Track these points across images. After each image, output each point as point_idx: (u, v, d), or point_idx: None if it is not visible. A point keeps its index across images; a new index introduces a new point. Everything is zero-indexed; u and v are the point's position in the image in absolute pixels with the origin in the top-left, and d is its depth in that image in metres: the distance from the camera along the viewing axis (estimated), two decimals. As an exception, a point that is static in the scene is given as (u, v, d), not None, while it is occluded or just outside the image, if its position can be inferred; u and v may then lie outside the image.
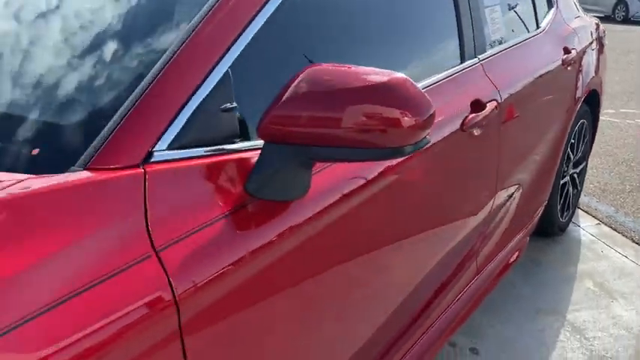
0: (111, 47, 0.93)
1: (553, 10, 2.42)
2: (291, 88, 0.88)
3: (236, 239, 0.87)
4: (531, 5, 2.25)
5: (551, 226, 2.64)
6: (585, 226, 2.87)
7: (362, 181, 1.14)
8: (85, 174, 0.76)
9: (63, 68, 0.91)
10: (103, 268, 0.71)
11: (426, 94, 0.88)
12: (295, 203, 0.98)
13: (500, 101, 1.67)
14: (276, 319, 0.97)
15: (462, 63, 1.60)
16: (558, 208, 2.61)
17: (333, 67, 0.89)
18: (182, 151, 0.86)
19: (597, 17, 3.23)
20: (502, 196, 1.88)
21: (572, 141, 2.57)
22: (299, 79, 0.88)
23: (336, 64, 0.90)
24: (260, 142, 0.94)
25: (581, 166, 2.83)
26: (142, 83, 0.86)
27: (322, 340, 1.14)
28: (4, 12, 1.05)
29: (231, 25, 0.98)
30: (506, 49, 1.86)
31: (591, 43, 2.63)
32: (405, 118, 0.85)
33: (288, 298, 0.98)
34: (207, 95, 0.90)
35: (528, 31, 2.15)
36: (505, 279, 2.15)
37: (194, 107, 0.89)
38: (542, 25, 2.27)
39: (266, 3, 1.03)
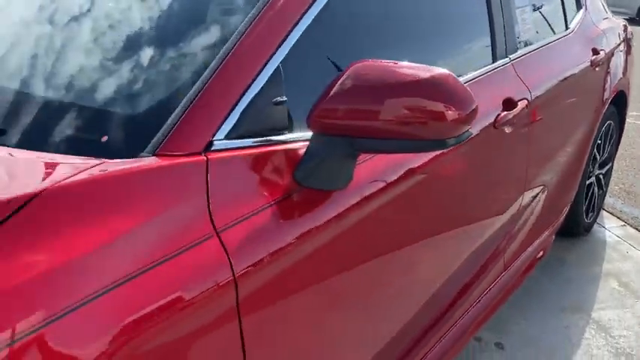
0: (177, 45, 1.00)
1: (582, 11, 2.44)
2: (338, 83, 0.93)
3: (285, 224, 0.93)
4: (561, 6, 2.28)
5: (576, 226, 2.65)
6: (610, 227, 2.88)
7: (398, 176, 1.19)
8: (153, 159, 0.83)
9: (134, 65, 0.98)
10: (172, 245, 0.77)
11: (468, 89, 0.92)
12: (337, 193, 1.03)
13: (530, 100, 1.71)
14: (315, 301, 1.02)
15: (493, 62, 1.63)
16: (584, 208, 2.63)
17: (379, 62, 0.94)
18: (238, 140, 0.92)
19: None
20: (530, 193, 1.91)
21: (599, 142, 2.59)
22: (346, 74, 0.93)
23: (381, 60, 0.95)
24: (307, 134, 0.99)
25: (606, 167, 2.84)
26: (202, 78, 0.92)
27: (356, 326, 1.19)
28: (80, 7, 1.12)
29: (281, 23, 1.03)
30: (536, 49, 1.89)
31: (619, 44, 2.64)
32: (449, 111, 0.90)
33: (327, 282, 1.03)
34: (261, 89, 0.96)
35: (556, 32, 2.17)
36: (530, 277, 2.18)
37: (248, 100, 0.95)
38: (572, 26, 2.29)
39: (312, 3, 1.09)
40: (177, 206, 0.80)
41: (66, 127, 0.89)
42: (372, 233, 1.14)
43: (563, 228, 2.48)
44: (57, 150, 0.85)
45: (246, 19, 1.01)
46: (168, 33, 1.03)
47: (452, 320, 1.64)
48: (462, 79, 1.45)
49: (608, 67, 2.44)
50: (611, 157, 2.85)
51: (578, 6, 2.47)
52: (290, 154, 0.98)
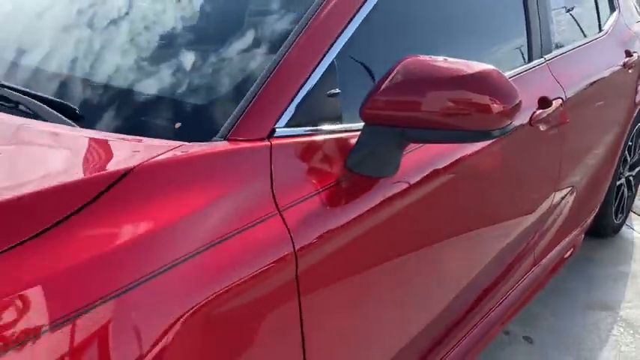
0: (244, 43, 1.09)
1: (615, 13, 2.47)
2: (389, 77, 1.00)
3: (337, 206, 1.00)
4: (594, 8, 2.31)
5: (605, 226, 2.67)
6: (639, 229, 2.89)
7: (438, 168, 1.25)
8: (225, 143, 0.91)
9: (208, 61, 1.09)
10: (241, 220, 0.85)
11: (513, 84, 0.99)
12: (384, 180, 1.10)
13: (565, 99, 1.75)
14: (357, 280, 1.08)
15: (529, 62, 1.69)
16: (613, 209, 2.65)
17: (428, 58, 1.01)
18: (296, 129, 1.00)
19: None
20: (561, 192, 1.96)
21: (630, 143, 2.61)
22: (396, 69, 1.00)
23: (430, 55, 1.02)
24: (358, 125, 1.07)
25: (637, 169, 2.85)
26: (265, 72, 1.00)
27: (394, 311, 1.26)
28: (153, 5, 1.22)
29: (335, 22, 1.11)
30: (570, 50, 1.94)
31: (652, 47, 2.66)
32: (494, 104, 0.96)
33: (370, 263, 1.10)
34: (317, 83, 1.04)
35: (590, 34, 2.21)
36: (559, 275, 2.22)
37: (306, 92, 1.02)
38: (605, 28, 2.32)
39: (363, 4, 1.16)
40: (245, 186, 0.89)
41: (153, 115, 0.99)
42: (412, 220, 1.21)
43: (592, 228, 2.51)
44: (144, 134, 0.94)
45: (303, 18, 1.09)
46: (235, 32, 1.12)
47: (481, 313, 1.70)
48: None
49: (641, 69, 2.46)
50: (641, 160, 2.87)
51: (612, 8, 2.50)
52: (342, 142, 1.06)
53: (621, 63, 2.26)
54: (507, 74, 1.55)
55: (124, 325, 0.69)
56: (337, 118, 1.08)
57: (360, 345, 1.14)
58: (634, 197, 2.95)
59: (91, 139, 0.92)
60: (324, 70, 1.05)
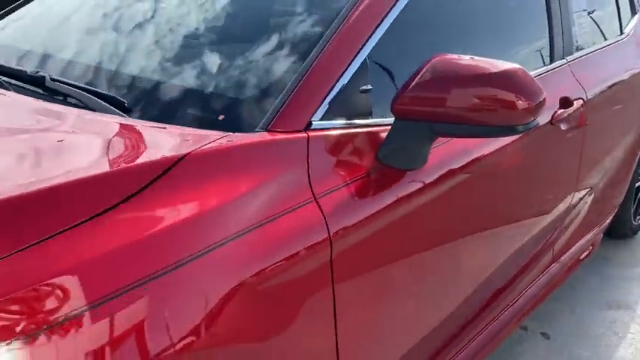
0: (283, 43, 1.16)
1: (637, 17, 2.50)
2: (419, 74, 1.06)
3: (368, 196, 1.06)
4: (616, 11, 2.34)
5: (623, 227, 2.70)
6: (658, 231, 2.91)
7: (462, 164, 1.30)
8: (266, 134, 0.98)
9: (251, 59, 1.16)
10: (281, 205, 0.92)
11: (537, 82, 1.04)
12: (412, 173, 1.16)
13: (586, 100, 1.79)
14: (385, 267, 1.14)
15: (551, 63, 1.73)
16: (632, 210, 2.67)
17: (456, 57, 1.07)
18: (331, 122, 1.07)
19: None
20: (580, 191, 1.99)
21: (650, 145, 2.63)
22: (426, 67, 1.06)
23: (457, 54, 1.08)
24: (389, 119, 1.12)
25: (656, 172, 2.86)
26: (302, 68, 1.07)
27: (416, 301, 1.31)
28: (199, 6, 1.30)
29: (368, 22, 1.17)
30: (592, 52, 1.98)
31: (673, 50, 2.67)
32: (520, 101, 1.02)
33: (397, 251, 1.16)
34: (350, 79, 1.10)
35: (612, 37, 2.24)
36: (576, 275, 2.25)
37: (340, 88, 1.09)
38: (626, 30, 2.35)
39: (394, 5, 1.22)
40: (285, 173, 0.95)
41: (200, 108, 1.08)
42: (436, 212, 1.26)
43: (610, 229, 2.54)
44: (193, 125, 1.01)
45: (337, 19, 1.15)
46: (275, 34, 1.19)
47: (500, 307, 1.74)
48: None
49: (662, 71, 2.48)
50: (661, 162, 2.88)
51: (633, 11, 2.52)
52: (372, 136, 1.12)
53: (642, 65, 2.28)
54: (531, 74, 1.60)
55: (182, 295, 0.76)
56: (369, 113, 1.14)
57: (384, 329, 1.20)
58: (653, 199, 2.96)
59: (145, 128, 1.00)
60: (357, 67, 1.12)
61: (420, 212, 1.19)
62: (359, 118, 1.12)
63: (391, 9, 1.21)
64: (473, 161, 1.33)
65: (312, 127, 1.03)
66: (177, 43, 1.24)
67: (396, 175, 1.12)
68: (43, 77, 1.17)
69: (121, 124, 1.01)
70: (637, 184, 2.66)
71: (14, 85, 1.20)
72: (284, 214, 0.92)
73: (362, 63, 1.13)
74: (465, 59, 1.06)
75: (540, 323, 2.12)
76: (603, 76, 1.99)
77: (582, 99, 1.78)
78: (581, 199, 2.04)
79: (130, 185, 0.81)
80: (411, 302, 1.28)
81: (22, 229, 0.73)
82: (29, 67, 1.25)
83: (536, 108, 1.03)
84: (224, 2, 1.28)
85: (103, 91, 1.12)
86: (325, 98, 1.07)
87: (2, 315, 0.66)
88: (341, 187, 1.02)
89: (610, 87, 2.00)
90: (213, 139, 0.92)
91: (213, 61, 1.15)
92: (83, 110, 1.07)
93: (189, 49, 1.22)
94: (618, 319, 2.17)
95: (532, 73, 1.60)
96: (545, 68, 1.69)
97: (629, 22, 2.44)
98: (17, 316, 0.67)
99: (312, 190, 0.97)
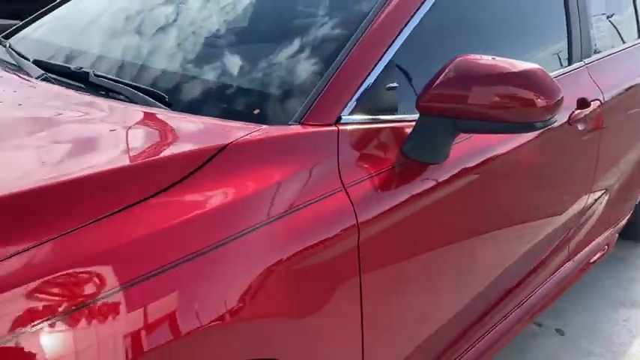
0: (314, 42, 1.23)
1: (655, 21, 2.53)
2: (443, 73, 1.12)
3: (393, 187, 1.13)
4: (634, 15, 2.38)
5: (638, 229, 2.72)
6: (674, 234, 2.92)
7: (481, 160, 1.36)
8: (299, 127, 1.05)
9: (285, 57, 1.24)
10: (313, 193, 0.99)
11: (556, 82, 1.10)
12: (435, 166, 1.22)
13: (603, 102, 1.84)
14: (408, 255, 1.20)
15: (569, 65, 1.78)
16: (647, 212, 2.70)
17: (478, 56, 1.13)
18: (359, 117, 1.13)
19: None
20: (596, 192, 2.03)
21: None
22: (450, 65, 1.12)
23: (480, 55, 1.14)
24: (413, 115, 1.19)
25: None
26: (333, 66, 1.14)
27: (434, 292, 1.36)
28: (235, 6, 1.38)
29: (394, 23, 1.24)
30: (609, 55, 2.02)
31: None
32: (539, 100, 1.08)
33: (420, 241, 1.22)
34: (377, 77, 1.17)
35: (630, 40, 2.28)
36: (591, 274, 2.29)
37: (367, 85, 1.16)
38: (644, 34, 2.39)
39: (419, 7, 1.29)
40: (316, 164, 1.02)
41: (239, 103, 1.16)
42: (456, 205, 1.32)
43: (625, 230, 2.57)
44: (232, 118, 1.09)
45: (365, 20, 1.22)
46: (307, 33, 1.26)
47: (517, 300, 1.79)
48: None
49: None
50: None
51: (652, 16, 2.55)
52: (398, 131, 1.19)
53: (660, 69, 2.31)
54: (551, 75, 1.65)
55: (225, 271, 0.84)
56: (394, 109, 1.20)
57: (403, 315, 1.26)
58: (669, 202, 2.98)
59: (188, 120, 1.07)
60: (384, 66, 1.18)
61: (439, 205, 1.25)
62: (385, 114, 1.18)
63: (416, 12, 1.27)
64: (492, 158, 1.39)
65: (342, 121, 1.10)
66: (219, 42, 1.32)
67: (420, 168, 1.19)
68: (87, 73, 1.25)
69: (165, 116, 1.09)
70: (653, 187, 2.68)
71: (58, 80, 1.29)
72: (316, 201, 0.99)
73: (388, 62, 1.19)
74: (487, 59, 1.12)
75: (555, 320, 2.16)
76: (620, 78, 2.03)
77: (599, 100, 1.82)
78: (596, 199, 2.08)
79: (179, 170, 0.88)
80: (428, 292, 1.34)
81: (83, 207, 0.80)
82: (63, 62, 1.34)
83: (555, 106, 1.09)
84: (262, 4, 1.36)
85: (145, 87, 1.20)
86: (354, 95, 1.13)
87: (54, 290, 0.73)
88: (368, 178, 1.09)
89: (627, 90, 2.04)
90: (250, 130, 0.99)
91: (251, 59, 1.23)
92: (128, 103, 1.15)
93: (231, 47, 1.30)
94: (632, 318, 2.20)
95: (552, 74, 1.67)
96: (563, 70, 1.74)
97: (647, 26, 2.47)
98: (76, 288, 0.74)
99: (341, 180, 1.04)
